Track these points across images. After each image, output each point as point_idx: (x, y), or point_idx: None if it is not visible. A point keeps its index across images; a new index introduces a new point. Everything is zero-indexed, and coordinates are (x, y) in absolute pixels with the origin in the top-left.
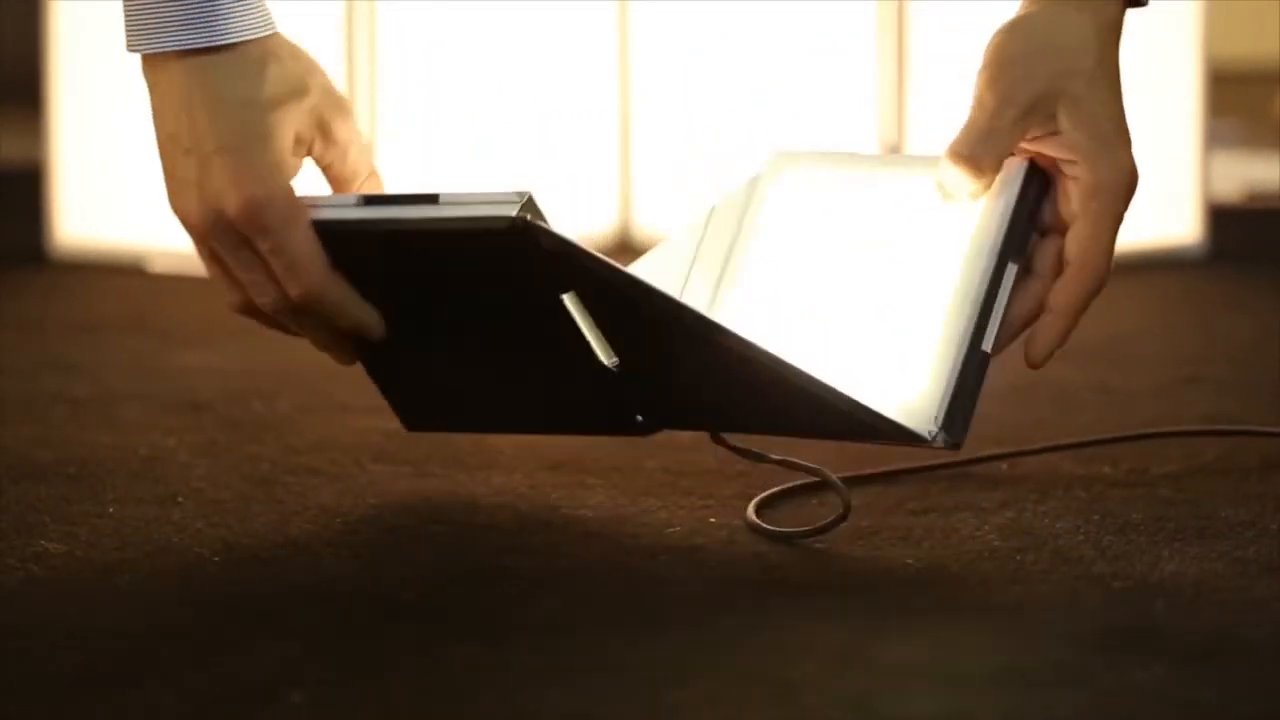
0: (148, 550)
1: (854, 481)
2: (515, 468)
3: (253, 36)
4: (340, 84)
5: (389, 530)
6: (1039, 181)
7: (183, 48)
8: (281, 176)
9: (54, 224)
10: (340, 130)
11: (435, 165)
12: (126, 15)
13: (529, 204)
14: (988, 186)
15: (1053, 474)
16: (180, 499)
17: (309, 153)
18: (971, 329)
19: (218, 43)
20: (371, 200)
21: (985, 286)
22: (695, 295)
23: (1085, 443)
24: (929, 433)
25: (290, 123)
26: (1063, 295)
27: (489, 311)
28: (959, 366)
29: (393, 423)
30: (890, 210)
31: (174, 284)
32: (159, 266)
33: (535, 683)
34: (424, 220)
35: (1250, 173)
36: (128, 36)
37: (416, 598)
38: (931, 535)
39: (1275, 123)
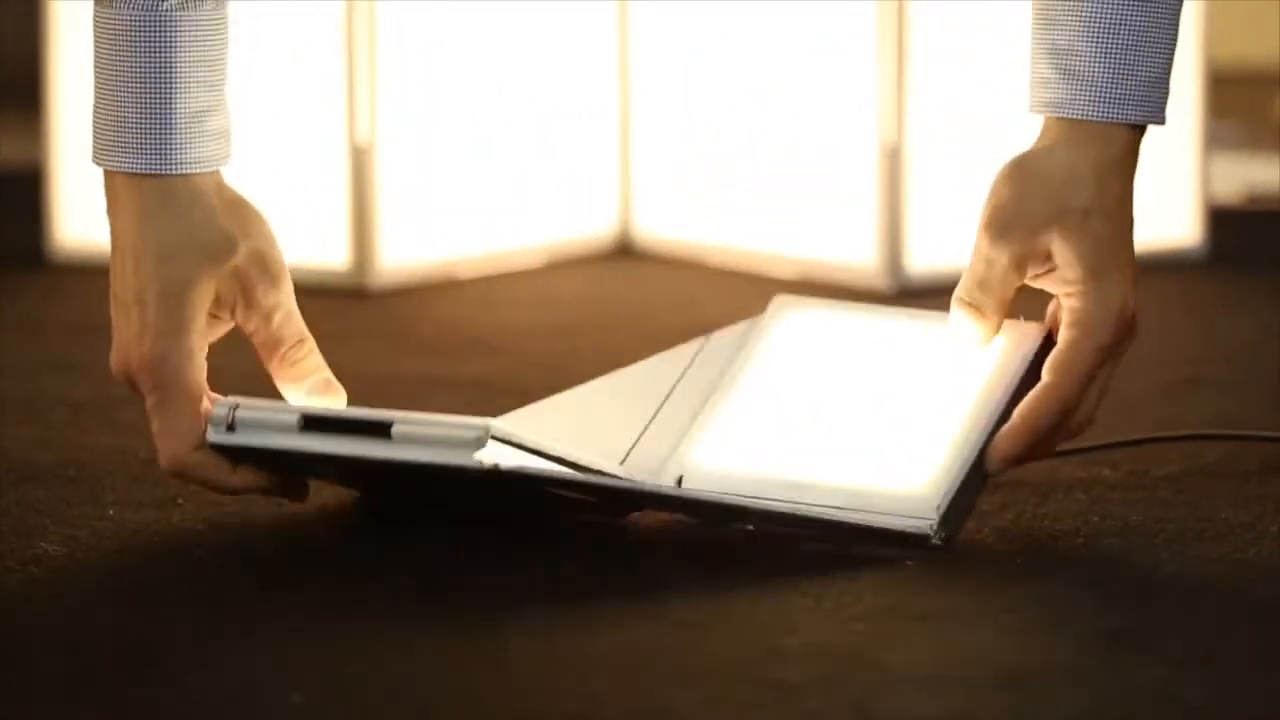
0: (147, 553)
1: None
2: None
3: (196, 171)
4: (340, 84)
5: (388, 532)
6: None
7: (130, 171)
8: (183, 337)
9: (53, 226)
10: (264, 297)
11: (435, 165)
12: (94, 128)
13: (487, 438)
14: (995, 329)
15: (1052, 476)
16: (180, 501)
17: (231, 315)
18: (979, 447)
19: (161, 172)
20: (313, 423)
21: (993, 424)
22: (677, 407)
23: (1085, 449)
24: (929, 524)
25: (208, 281)
26: (1026, 406)
27: (454, 493)
28: (962, 475)
29: None
30: (898, 351)
31: None
32: None
33: (535, 683)
34: (375, 461)
35: (1250, 174)
36: (93, 148)
37: (416, 598)
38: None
39: (1276, 124)
